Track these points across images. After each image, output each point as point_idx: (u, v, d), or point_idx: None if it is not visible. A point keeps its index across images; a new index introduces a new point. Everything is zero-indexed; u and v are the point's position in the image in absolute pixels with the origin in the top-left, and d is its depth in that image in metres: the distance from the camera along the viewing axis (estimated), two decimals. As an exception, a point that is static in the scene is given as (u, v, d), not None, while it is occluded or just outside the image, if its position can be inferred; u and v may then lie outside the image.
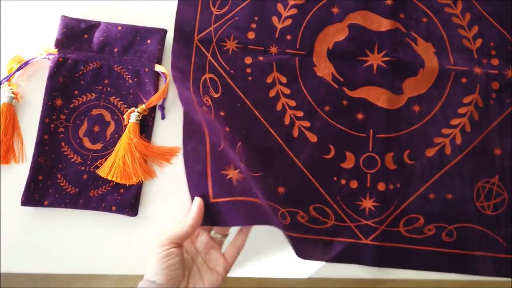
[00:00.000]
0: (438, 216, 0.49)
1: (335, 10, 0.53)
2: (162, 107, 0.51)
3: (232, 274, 0.48)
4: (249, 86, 0.51)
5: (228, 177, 0.48)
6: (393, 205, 0.49)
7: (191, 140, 0.49)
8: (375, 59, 0.52)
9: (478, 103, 0.51)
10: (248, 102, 0.51)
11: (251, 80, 0.51)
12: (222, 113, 0.51)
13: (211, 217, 0.47)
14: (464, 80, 0.52)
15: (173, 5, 0.53)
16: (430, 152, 0.50)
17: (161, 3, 0.54)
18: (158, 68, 0.51)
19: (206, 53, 0.52)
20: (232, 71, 0.51)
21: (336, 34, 0.53)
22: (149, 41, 0.51)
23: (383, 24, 0.53)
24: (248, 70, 0.52)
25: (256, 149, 0.50)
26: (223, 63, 0.52)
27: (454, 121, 0.51)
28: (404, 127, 0.51)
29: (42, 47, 0.50)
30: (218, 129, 0.49)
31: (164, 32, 0.52)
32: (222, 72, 0.51)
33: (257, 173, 0.49)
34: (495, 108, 0.51)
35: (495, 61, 0.52)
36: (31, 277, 1.04)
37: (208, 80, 0.51)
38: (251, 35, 0.52)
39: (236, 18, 0.53)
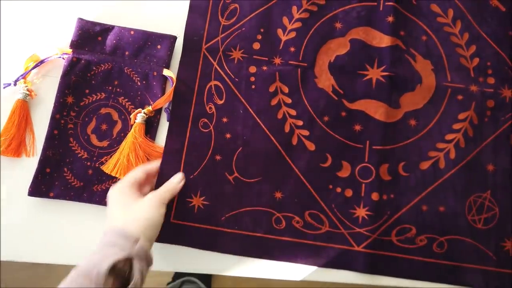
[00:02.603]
0: (430, 227, 0.50)
1: (338, 25, 0.56)
2: (168, 110, 0.53)
3: (231, 273, 0.50)
4: (252, 94, 0.53)
5: (191, 204, 0.50)
6: (386, 215, 0.50)
7: (167, 165, 0.51)
8: (375, 74, 0.54)
9: (473, 120, 0.53)
10: (250, 109, 0.53)
11: (255, 88, 0.54)
12: (224, 119, 0.53)
13: (169, 235, 0.49)
14: (460, 97, 0.54)
15: (184, 13, 0.56)
16: (425, 165, 0.52)
17: (173, 11, 0.56)
18: (166, 72, 0.53)
19: (213, 61, 0.54)
20: (236, 79, 0.54)
21: (338, 48, 0.55)
22: (159, 47, 0.54)
23: (383, 40, 0.55)
24: (252, 79, 0.54)
25: (256, 155, 0.52)
26: (228, 71, 0.54)
27: (449, 136, 0.53)
28: (400, 140, 0.53)
29: (58, 47, 0.53)
30: (198, 154, 0.52)
31: (174, 38, 0.54)
32: (227, 79, 0.54)
33: (255, 179, 0.51)
34: (489, 126, 0.53)
35: (491, 80, 0.54)
36: (31, 268, 1.06)
37: (213, 87, 0.54)
38: (256, 46, 0.55)
39: (243, 29, 0.55)
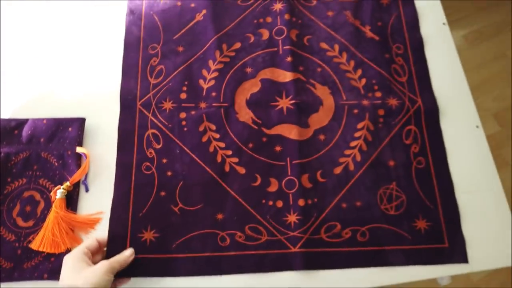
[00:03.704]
0: (352, 221, 0.59)
1: (248, 69, 0.67)
2: (85, 182, 0.60)
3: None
4: (185, 135, 0.63)
5: (143, 239, 0.57)
6: (313, 217, 0.59)
7: (118, 209, 0.58)
8: (284, 103, 0.65)
9: (369, 127, 0.64)
10: (185, 148, 0.62)
11: (186, 130, 0.63)
12: (164, 160, 0.61)
13: (127, 269, 0.54)
14: (356, 111, 0.65)
15: (91, 98, 0.65)
16: (338, 170, 0.62)
17: (80, 98, 0.65)
18: (79, 149, 0.60)
19: (147, 114, 0.63)
20: (170, 125, 0.63)
21: (251, 87, 0.66)
22: (70, 129, 0.61)
23: (287, 76, 0.67)
24: (183, 123, 0.63)
25: (195, 185, 0.60)
26: (162, 120, 0.63)
27: (353, 143, 0.63)
28: (314, 153, 0.63)
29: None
30: (144, 194, 0.59)
31: (82, 120, 0.62)
32: (162, 127, 0.63)
33: (198, 206, 0.59)
34: (384, 130, 0.64)
35: (378, 94, 0.67)
36: None
37: (151, 135, 0.62)
38: (183, 96, 0.65)
39: (170, 84, 0.65)
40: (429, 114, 0.65)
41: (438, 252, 0.58)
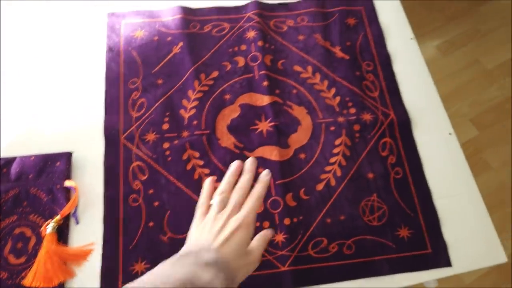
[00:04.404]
0: (337, 235, 0.61)
1: (227, 96, 0.70)
2: (75, 215, 0.61)
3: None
4: (170, 165, 0.64)
5: (134, 271, 0.58)
6: (300, 234, 0.61)
7: (108, 245, 0.59)
8: (264, 126, 0.68)
9: (347, 142, 0.67)
10: (171, 178, 0.63)
11: (171, 160, 0.65)
12: (151, 191, 0.63)
13: None
14: (332, 128, 0.68)
15: (77, 132, 0.66)
16: (320, 187, 0.64)
17: (67, 133, 0.66)
18: (67, 183, 0.61)
19: (132, 147, 0.65)
20: (154, 156, 0.65)
21: (231, 113, 0.69)
22: (58, 163, 0.63)
23: (264, 100, 0.69)
24: (167, 153, 0.65)
25: (182, 213, 0.61)
26: (146, 151, 0.65)
27: (332, 159, 0.66)
28: (296, 172, 0.65)
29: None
30: (133, 226, 0.60)
31: (69, 154, 0.63)
32: (146, 158, 0.65)
33: (186, 233, 0.60)
34: (361, 144, 0.67)
35: (352, 110, 0.69)
36: None
37: (136, 167, 0.64)
38: (165, 126, 0.67)
39: (152, 116, 0.68)
40: (402, 126, 0.68)
41: (422, 258, 0.60)
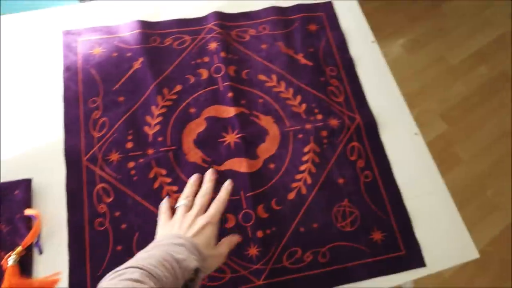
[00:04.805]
0: (311, 243, 0.60)
1: (192, 110, 0.68)
2: (38, 244, 0.58)
3: None
4: (136, 184, 0.62)
5: None
6: (274, 246, 0.60)
7: (75, 272, 0.56)
8: (231, 138, 0.66)
9: (315, 149, 0.67)
10: (137, 198, 0.61)
11: (137, 179, 0.63)
12: (117, 214, 0.60)
13: None
14: (300, 135, 0.67)
15: (36, 157, 0.63)
16: (291, 196, 0.63)
17: (25, 159, 0.63)
18: (28, 212, 0.58)
19: (95, 168, 0.63)
20: (119, 176, 0.63)
21: (197, 127, 0.67)
22: (16, 192, 0.60)
23: (230, 111, 0.68)
24: (133, 172, 0.63)
25: (152, 234, 0.59)
26: (110, 172, 0.63)
27: (302, 167, 0.65)
28: (266, 182, 0.64)
29: None
30: (100, 251, 0.58)
31: (29, 181, 0.61)
32: (111, 179, 0.62)
33: (157, 253, 0.58)
34: (329, 150, 0.67)
35: (319, 116, 0.69)
36: None
37: (100, 189, 0.62)
38: (129, 145, 0.65)
39: (115, 135, 0.65)
40: (369, 129, 0.68)
41: (396, 260, 0.60)
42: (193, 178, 0.61)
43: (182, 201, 0.57)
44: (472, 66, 1.80)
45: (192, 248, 0.49)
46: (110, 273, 0.44)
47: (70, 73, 0.70)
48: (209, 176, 0.60)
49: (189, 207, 0.56)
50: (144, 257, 0.46)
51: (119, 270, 0.44)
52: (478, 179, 1.53)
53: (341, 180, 0.65)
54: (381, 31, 1.87)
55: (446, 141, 1.61)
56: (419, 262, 0.59)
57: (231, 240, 0.57)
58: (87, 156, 0.64)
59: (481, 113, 1.69)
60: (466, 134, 1.63)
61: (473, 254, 0.60)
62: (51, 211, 0.60)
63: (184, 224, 0.53)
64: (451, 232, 0.62)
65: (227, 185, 0.60)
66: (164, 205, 0.59)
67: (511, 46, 1.85)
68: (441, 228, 0.62)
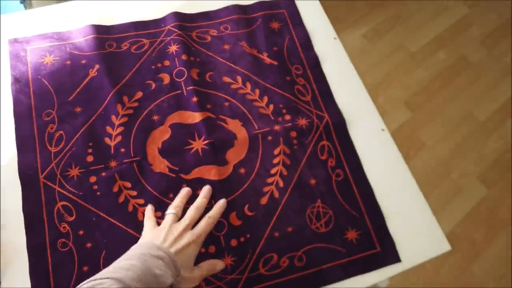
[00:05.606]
0: (287, 248, 0.59)
1: (155, 117, 0.65)
2: None
3: None
4: (99, 200, 0.59)
5: None
6: (249, 254, 0.58)
7: None
8: (198, 144, 0.64)
9: (286, 151, 0.65)
10: (102, 214, 0.58)
11: (100, 194, 0.59)
12: (81, 232, 0.57)
13: None
14: (269, 137, 0.66)
15: None
16: (264, 200, 0.62)
17: None
18: None
19: (53, 186, 0.59)
20: (81, 193, 0.59)
21: (161, 135, 0.64)
22: None
23: (196, 117, 0.66)
24: (95, 187, 0.60)
25: (120, 250, 0.56)
26: (71, 189, 0.59)
27: (273, 170, 0.64)
28: (238, 189, 0.62)
29: None
30: (65, 273, 0.54)
31: None
32: (72, 196, 0.59)
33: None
34: (299, 151, 0.66)
35: (287, 117, 0.68)
36: None
37: (61, 208, 0.58)
38: (90, 158, 0.61)
39: (73, 149, 0.61)
40: (337, 127, 0.68)
41: (372, 258, 0.60)
42: (184, 192, 0.59)
43: (172, 209, 0.56)
44: (431, 51, 1.84)
45: (171, 263, 0.48)
46: (87, 280, 0.43)
47: (20, 85, 0.65)
48: (206, 192, 0.59)
49: (178, 217, 0.56)
50: (125, 267, 0.45)
51: (97, 279, 0.43)
52: (442, 162, 1.58)
53: (313, 181, 0.64)
54: (342, 20, 1.88)
55: (411, 127, 1.65)
56: (394, 258, 0.60)
57: (213, 266, 0.55)
58: (44, 174, 0.59)
59: (443, 98, 1.73)
60: (430, 119, 1.68)
61: (444, 247, 0.61)
62: (9, 236, 0.56)
63: (170, 235, 0.52)
64: (422, 227, 0.62)
65: (222, 203, 0.59)
66: (149, 211, 0.58)
67: (468, 30, 1.91)
68: (412, 223, 0.62)
